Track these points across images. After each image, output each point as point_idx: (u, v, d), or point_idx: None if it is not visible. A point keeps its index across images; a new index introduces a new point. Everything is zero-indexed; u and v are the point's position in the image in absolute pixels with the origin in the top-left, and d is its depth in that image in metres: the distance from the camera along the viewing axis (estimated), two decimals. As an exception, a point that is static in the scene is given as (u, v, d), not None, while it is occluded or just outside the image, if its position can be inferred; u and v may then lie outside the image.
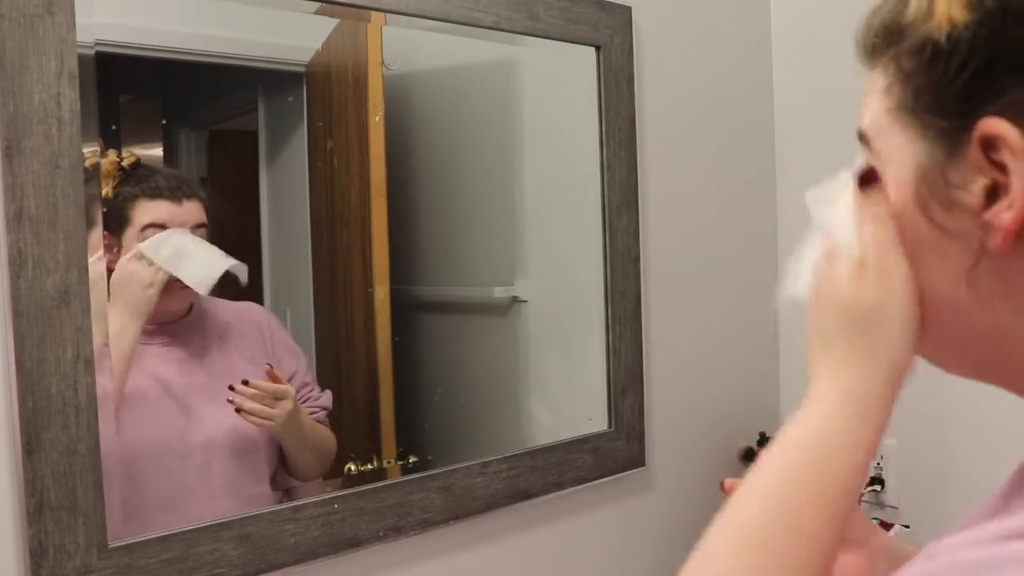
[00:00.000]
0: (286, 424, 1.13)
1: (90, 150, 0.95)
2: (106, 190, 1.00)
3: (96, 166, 0.96)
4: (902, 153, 0.49)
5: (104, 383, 0.95)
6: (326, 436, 1.20)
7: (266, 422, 1.12)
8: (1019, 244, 0.45)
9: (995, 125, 0.44)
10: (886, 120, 0.50)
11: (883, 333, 0.53)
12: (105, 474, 0.94)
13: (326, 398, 1.20)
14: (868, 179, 0.52)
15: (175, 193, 1.07)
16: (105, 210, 0.99)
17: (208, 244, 1.08)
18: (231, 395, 1.09)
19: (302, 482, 1.18)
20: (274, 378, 1.13)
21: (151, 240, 1.04)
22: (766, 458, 0.55)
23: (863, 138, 0.53)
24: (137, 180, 1.04)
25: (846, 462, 0.52)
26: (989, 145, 0.44)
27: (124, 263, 1.02)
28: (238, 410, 1.10)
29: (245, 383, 1.10)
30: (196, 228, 1.08)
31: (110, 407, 0.97)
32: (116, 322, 0.99)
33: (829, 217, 0.56)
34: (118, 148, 1.01)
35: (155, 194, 1.06)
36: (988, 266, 0.47)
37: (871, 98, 0.52)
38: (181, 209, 1.07)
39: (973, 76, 0.44)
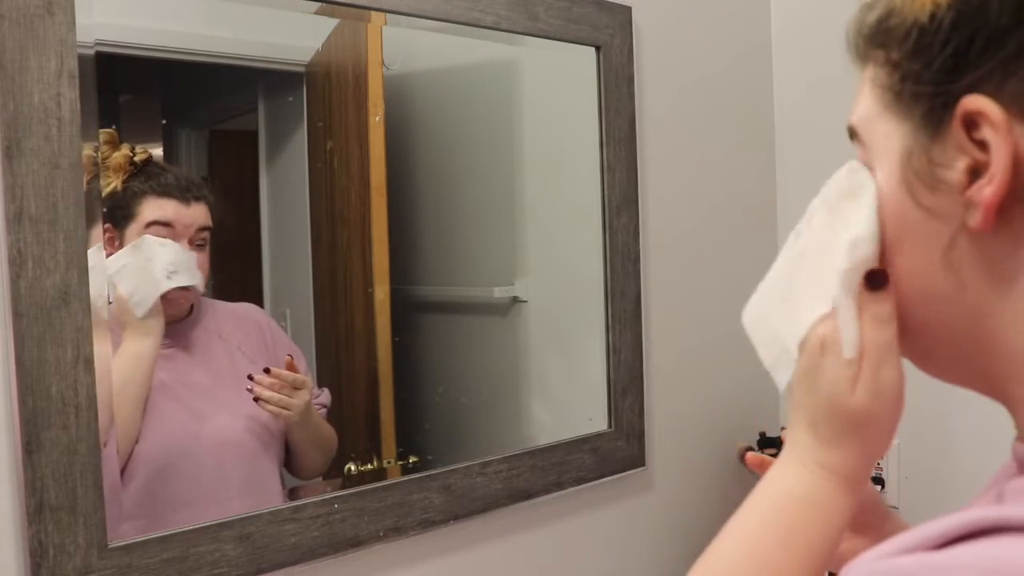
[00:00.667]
0: (302, 416, 1.14)
1: (101, 141, 0.95)
2: (115, 183, 1.00)
3: (102, 157, 0.97)
4: (888, 141, 0.50)
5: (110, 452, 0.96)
6: (331, 433, 1.21)
7: (284, 411, 1.12)
8: (1000, 222, 0.45)
9: (976, 101, 0.44)
10: (874, 109, 0.51)
11: (869, 437, 0.55)
12: (108, 477, 0.94)
13: (325, 396, 1.20)
14: (877, 280, 0.52)
15: (185, 193, 1.07)
16: (110, 204, 0.99)
17: (168, 255, 1.05)
18: (250, 384, 1.10)
19: (303, 480, 1.18)
20: (293, 368, 1.13)
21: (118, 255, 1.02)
22: (748, 505, 0.57)
23: (853, 134, 0.54)
24: (147, 176, 1.04)
25: (823, 527, 0.55)
26: (971, 123, 0.45)
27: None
28: (256, 399, 1.10)
29: (267, 371, 1.11)
30: (200, 231, 1.08)
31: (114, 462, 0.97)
32: (131, 346, 1.00)
33: (837, 294, 0.54)
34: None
35: (164, 192, 1.05)
36: (969, 247, 0.47)
37: (862, 94, 0.53)
38: (188, 210, 1.07)
39: (954, 54, 0.45)
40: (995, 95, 0.44)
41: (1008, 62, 0.44)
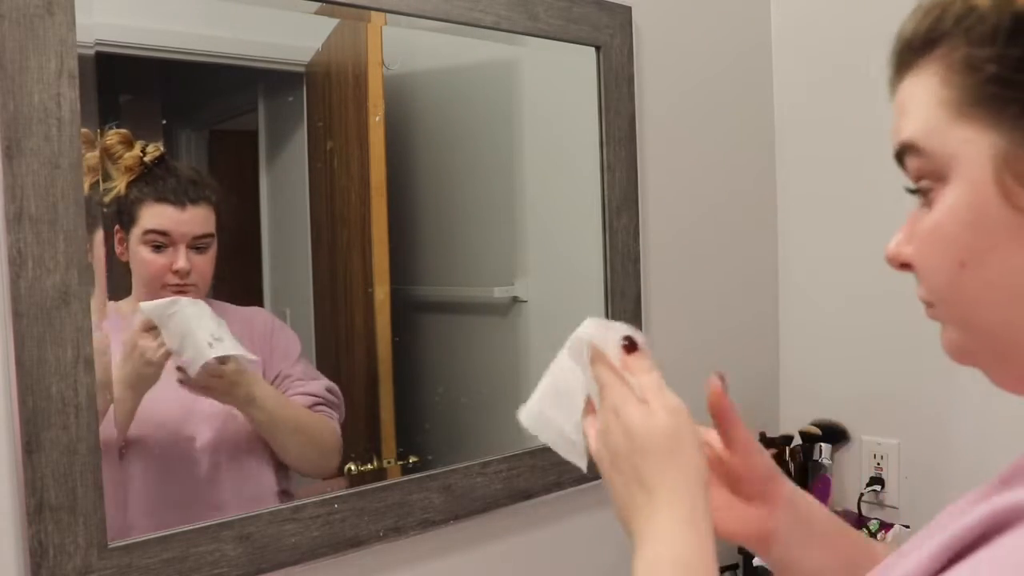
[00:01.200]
0: (240, 394, 1.09)
1: (115, 140, 0.96)
2: (119, 186, 1.00)
3: (115, 157, 0.98)
4: (972, 146, 0.47)
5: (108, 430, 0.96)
6: (311, 419, 1.17)
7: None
8: None
9: None
10: (938, 118, 0.49)
11: (686, 452, 0.62)
12: (108, 477, 0.94)
13: (313, 386, 1.17)
14: (633, 347, 0.69)
15: (180, 197, 1.06)
16: (116, 207, 0.99)
17: (210, 322, 1.04)
18: (180, 375, 1.05)
19: (305, 476, 1.17)
20: None
21: (161, 304, 1.02)
22: None
23: (908, 149, 0.51)
24: (150, 180, 1.03)
25: (703, 566, 0.58)
26: None
27: (132, 335, 1.00)
28: (182, 382, 1.05)
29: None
30: (200, 239, 1.07)
31: (113, 448, 0.97)
32: (117, 390, 0.99)
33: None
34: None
35: (160, 198, 1.05)
36: None
37: (912, 106, 0.50)
38: (184, 215, 1.06)
39: None
40: None
41: None
